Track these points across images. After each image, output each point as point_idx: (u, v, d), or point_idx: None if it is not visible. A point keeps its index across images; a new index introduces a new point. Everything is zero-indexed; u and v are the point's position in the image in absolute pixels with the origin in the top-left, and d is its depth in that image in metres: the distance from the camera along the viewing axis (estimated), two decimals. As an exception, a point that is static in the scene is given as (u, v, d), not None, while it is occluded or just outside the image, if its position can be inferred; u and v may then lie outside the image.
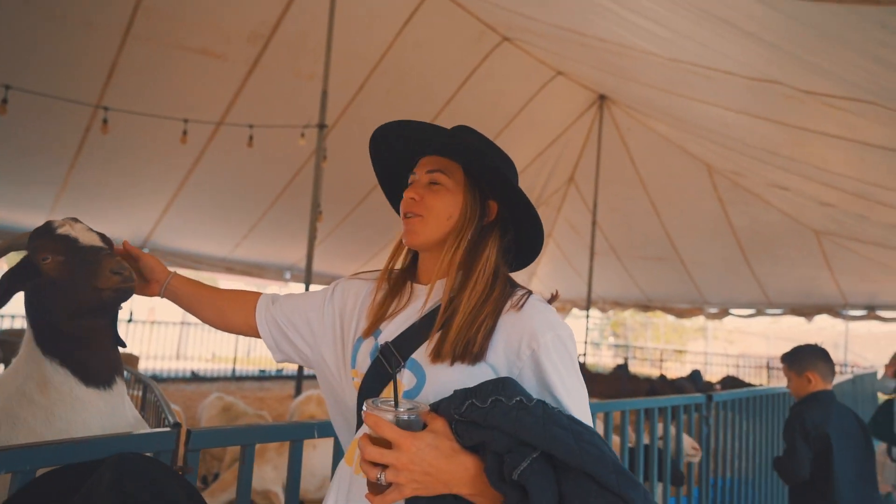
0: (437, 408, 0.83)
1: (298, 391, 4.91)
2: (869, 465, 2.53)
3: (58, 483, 0.99)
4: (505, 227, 1.02)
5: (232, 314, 1.18)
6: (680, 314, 11.31)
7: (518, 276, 1.04)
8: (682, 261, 9.81)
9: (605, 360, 17.01)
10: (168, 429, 1.20)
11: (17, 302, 1.30)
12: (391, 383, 0.94)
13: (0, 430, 1.18)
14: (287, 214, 7.70)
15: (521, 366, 0.90)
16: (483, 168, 0.99)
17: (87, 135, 5.87)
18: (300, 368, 4.99)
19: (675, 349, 18.08)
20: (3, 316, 8.15)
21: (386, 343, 0.96)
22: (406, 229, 1.01)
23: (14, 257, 1.33)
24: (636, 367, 14.32)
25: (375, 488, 0.78)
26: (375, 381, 0.96)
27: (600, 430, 2.45)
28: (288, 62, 5.94)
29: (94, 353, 1.23)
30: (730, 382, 8.36)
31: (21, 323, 7.92)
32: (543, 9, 4.93)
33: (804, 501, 2.42)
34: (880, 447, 4.59)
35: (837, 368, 2.72)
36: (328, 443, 2.23)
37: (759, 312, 10.15)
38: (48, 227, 1.22)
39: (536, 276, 11.74)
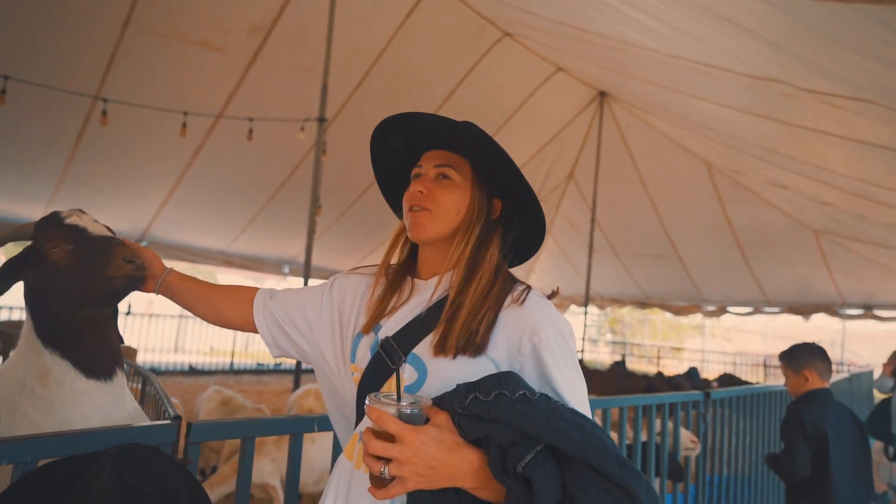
0: (439, 402, 0.84)
1: (297, 385, 4.92)
2: (865, 464, 2.55)
3: (58, 474, 0.99)
4: (507, 224, 1.02)
5: (228, 310, 1.18)
6: (678, 311, 11.33)
7: (516, 273, 1.04)
8: (680, 258, 9.83)
9: (602, 356, 17.05)
10: (169, 421, 1.20)
11: (15, 294, 1.30)
12: (391, 378, 0.94)
13: (0, 422, 1.18)
14: (286, 208, 7.69)
15: (523, 360, 0.90)
16: (496, 163, 0.98)
17: (85, 126, 5.85)
18: (298, 362, 5.00)
19: (672, 346, 18.13)
20: (1, 307, 8.15)
21: (387, 338, 0.96)
22: (412, 223, 0.99)
23: (11, 248, 1.33)
24: (633, 364, 14.36)
25: (378, 482, 0.78)
26: (376, 375, 0.96)
27: (598, 426, 2.45)
28: (288, 55, 5.92)
29: (95, 345, 1.23)
30: (727, 380, 8.39)
31: (19, 315, 7.91)
32: (545, 4, 4.91)
33: (801, 499, 2.43)
34: (875, 445, 4.61)
35: (834, 367, 2.73)
36: (326, 437, 2.23)
37: (757, 311, 10.18)
38: (56, 217, 1.22)
39: (535, 273, 11.75)
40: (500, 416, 0.77)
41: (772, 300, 9.82)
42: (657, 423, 2.71)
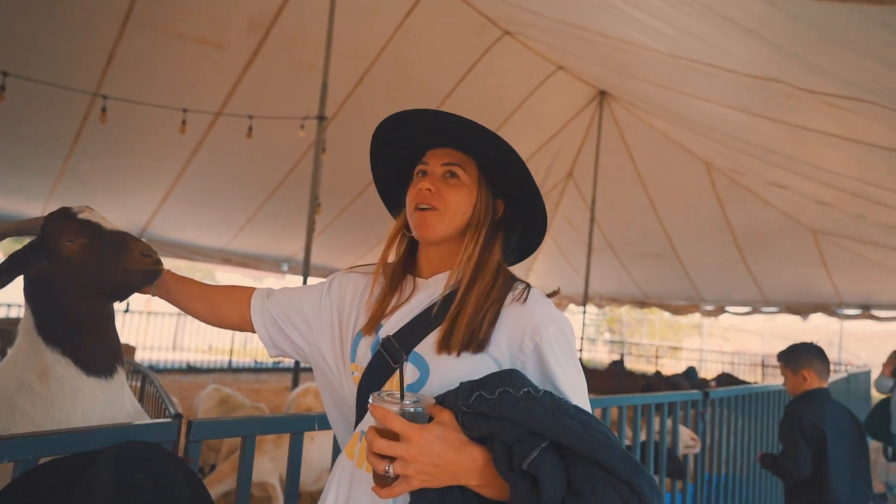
0: (442, 400, 0.84)
1: (295, 383, 4.92)
2: (863, 463, 2.55)
3: (58, 472, 0.99)
4: (508, 225, 1.02)
5: (225, 309, 1.17)
6: (676, 311, 11.35)
7: (515, 272, 1.04)
8: (679, 258, 9.84)
9: (600, 356, 17.07)
10: (170, 419, 1.20)
11: (10, 290, 1.29)
12: (392, 377, 0.94)
13: (-1, 420, 1.18)
14: (285, 206, 7.68)
15: (525, 359, 0.91)
16: (507, 164, 0.97)
17: (84, 123, 5.83)
18: (297, 361, 4.99)
19: (670, 346, 18.15)
20: (-2, 304, 8.13)
21: (388, 337, 0.96)
22: (419, 222, 0.98)
23: (8, 245, 1.33)
24: (632, 364, 14.38)
25: (382, 481, 0.78)
26: (377, 374, 0.96)
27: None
28: (288, 53, 5.91)
29: (96, 342, 1.23)
30: (725, 380, 8.39)
31: (16, 312, 7.89)
32: (545, 3, 4.91)
33: (800, 498, 2.44)
34: (873, 445, 4.63)
35: (832, 367, 2.74)
36: (326, 435, 2.23)
37: (755, 310, 10.19)
38: (68, 212, 1.23)
39: (533, 272, 11.75)
40: (506, 413, 0.77)
41: (770, 300, 9.84)
42: (656, 422, 2.72)
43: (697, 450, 2.81)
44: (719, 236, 8.94)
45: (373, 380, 0.96)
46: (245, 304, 1.14)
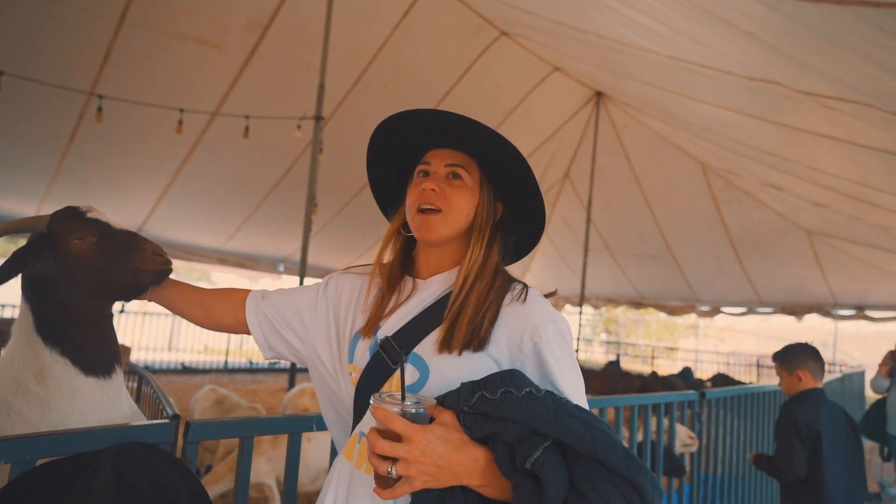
0: (443, 401, 0.84)
1: (291, 384, 4.91)
2: (858, 463, 2.57)
3: (57, 473, 0.99)
4: (507, 227, 1.02)
5: (220, 311, 1.17)
6: (672, 311, 11.38)
7: (511, 272, 1.05)
8: (675, 259, 9.87)
9: (596, 356, 17.10)
10: (167, 420, 1.20)
11: (4, 290, 1.28)
12: (391, 378, 0.94)
13: (-6, 422, 1.17)
14: (282, 206, 7.66)
15: (524, 359, 0.91)
16: (511, 166, 0.97)
17: (80, 123, 5.81)
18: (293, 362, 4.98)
19: (666, 346, 18.20)
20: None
21: (386, 338, 0.96)
22: (422, 224, 0.97)
23: (2, 244, 1.32)
24: (628, 364, 14.41)
25: (384, 482, 0.78)
26: (375, 375, 0.96)
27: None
28: (285, 53, 5.90)
29: (96, 342, 1.23)
30: (720, 380, 8.42)
31: (9, 312, 7.85)
32: (543, 4, 4.92)
33: (796, 499, 2.45)
34: (868, 444, 4.65)
35: (826, 367, 2.76)
36: (323, 436, 2.23)
37: (751, 311, 10.23)
38: (76, 211, 1.23)
39: (530, 272, 11.77)
40: (508, 413, 0.78)
41: (765, 301, 9.88)
42: (653, 422, 2.73)
43: (695, 448, 2.82)
44: (715, 237, 8.97)
45: (371, 381, 0.96)
46: (240, 306, 1.14)
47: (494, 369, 0.90)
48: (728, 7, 2.89)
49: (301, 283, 4.64)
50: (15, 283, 1.24)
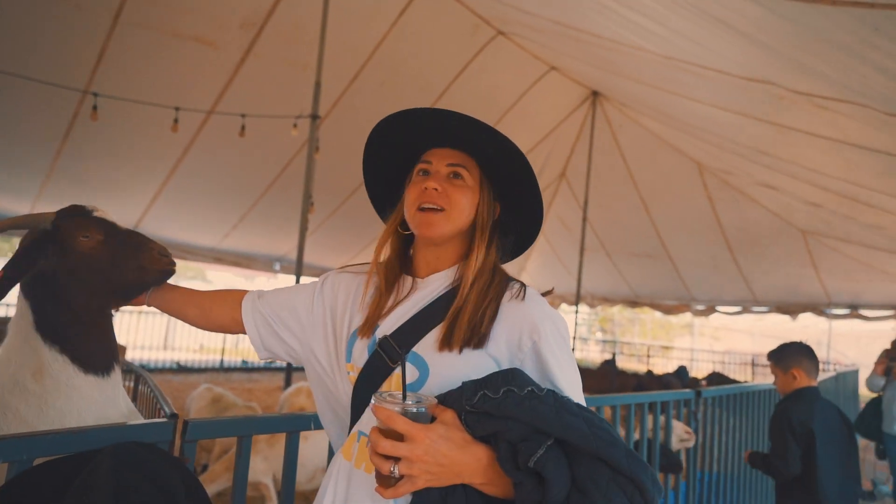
0: (444, 400, 0.84)
1: (288, 383, 4.91)
2: (852, 461, 2.58)
3: (54, 472, 0.99)
4: (504, 226, 1.03)
5: (216, 311, 1.17)
6: (667, 310, 11.42)
7: (507, 270, 1.05)
8: (670, 258, 9.90)
9: (592, 355, 17.14)
10: (165, 419, 1.19)
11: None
12: (390, 377, 0.94)
13: (-10, 420, 1.16)
14: (278, 205, 7.65)
15: (523, 357, 0.92)
16: (512, 166, 0.97)
17: (75, 121, 5.77)
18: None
19: (661, 345, 18.26)
20: (-14, 303, 8.02)
21: (385, 337, 0.95)
22: (423, 221, 0.97)
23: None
24: (623, 363, 14.44)
25: (386, 481, 0.78)
26: (374, 374, 0.96)
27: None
28: (281, 51, 5.88)
29: (96, 340, 1.23)
30: (716, 379, 8.45)
31: (2, 311, 7.80)
32: (539, 3, 4.92)
33: (790, 496, 2.46)
34: (862, 442, 4.68)
35: (820, 366, 2.77)
36: (320, 435, 2.23)
37: (745, 310, 10.27)
38: (82, 209, 1.23)
39: (526, 271, 11.78)
40: (510, 412, 0.78)
41: (760, 300, 9.92)
42: (649, 420, 2.74)
43: (692, 443, 2.83)
44: (710, 236, 9.01)
45: (369, 380, 0.96)
46: (236, 306, 1.14)
47: (494, 368, 0.90)
48: (724, 7, 2.90)
49: (297, 282, 4.64)
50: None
